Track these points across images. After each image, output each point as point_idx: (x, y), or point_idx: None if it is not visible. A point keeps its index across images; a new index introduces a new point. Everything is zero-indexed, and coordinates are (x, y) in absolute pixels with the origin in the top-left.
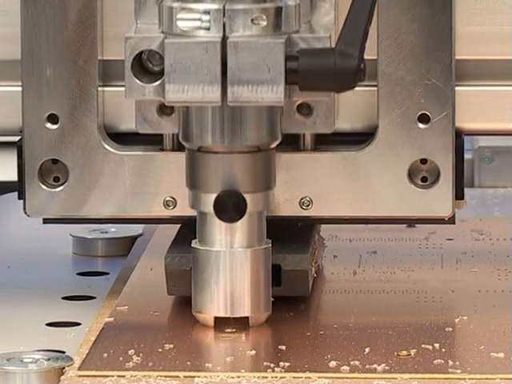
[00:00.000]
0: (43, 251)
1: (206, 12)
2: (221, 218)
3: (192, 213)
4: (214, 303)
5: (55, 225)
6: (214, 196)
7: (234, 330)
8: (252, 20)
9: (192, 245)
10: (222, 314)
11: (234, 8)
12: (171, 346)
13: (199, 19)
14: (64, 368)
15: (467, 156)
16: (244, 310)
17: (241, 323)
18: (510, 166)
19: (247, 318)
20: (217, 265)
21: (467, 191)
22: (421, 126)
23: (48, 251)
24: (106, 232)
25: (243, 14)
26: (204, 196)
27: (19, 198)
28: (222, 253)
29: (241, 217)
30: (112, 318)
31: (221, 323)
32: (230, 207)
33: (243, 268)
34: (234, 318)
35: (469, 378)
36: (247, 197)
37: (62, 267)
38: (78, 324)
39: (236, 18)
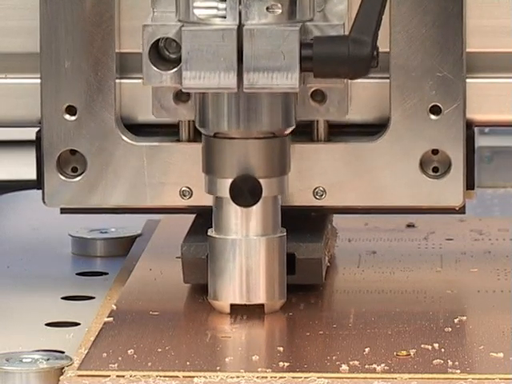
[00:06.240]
0: (42, 251)
1: (222, 0)
2: (237, 203)
3: (208, 203)
4: (230, 290)
5: (54, 225)
6: (229, 181)
7: (234, 331)
8: (267, 8)
9: (208, 233)
10: (237, 301)
11: None
12: (170, 345)
13: (215, 7)
14: (63, 368)
15: None
16: (259, 298)
17: (256, 310)
18: (510, 166)
19: (262, 305)
20: (233, 253)
21: None
22: (432, 117)
23: (47, 251)
24: (106, 232)
25: (259, 2)
26: (220, 181)
27: (37, 189)
28: (237, 241)
29: (256, 201)
30: (111, 318)
31: (236, 310)
32: (246, 192)
33: (258, 256)
34: (249, 305)
35: (468, 378)
36: (262, 182)
37: (61, 267)
38: (78, 324)
39: (251, 6)
